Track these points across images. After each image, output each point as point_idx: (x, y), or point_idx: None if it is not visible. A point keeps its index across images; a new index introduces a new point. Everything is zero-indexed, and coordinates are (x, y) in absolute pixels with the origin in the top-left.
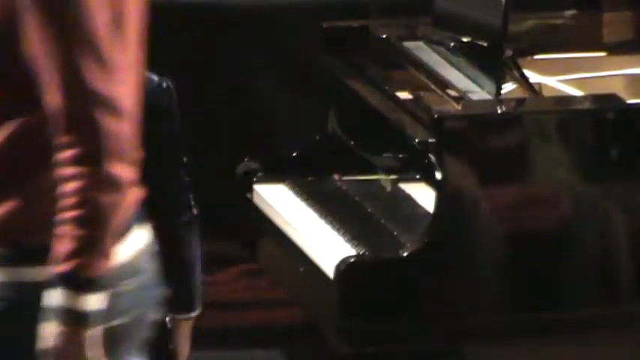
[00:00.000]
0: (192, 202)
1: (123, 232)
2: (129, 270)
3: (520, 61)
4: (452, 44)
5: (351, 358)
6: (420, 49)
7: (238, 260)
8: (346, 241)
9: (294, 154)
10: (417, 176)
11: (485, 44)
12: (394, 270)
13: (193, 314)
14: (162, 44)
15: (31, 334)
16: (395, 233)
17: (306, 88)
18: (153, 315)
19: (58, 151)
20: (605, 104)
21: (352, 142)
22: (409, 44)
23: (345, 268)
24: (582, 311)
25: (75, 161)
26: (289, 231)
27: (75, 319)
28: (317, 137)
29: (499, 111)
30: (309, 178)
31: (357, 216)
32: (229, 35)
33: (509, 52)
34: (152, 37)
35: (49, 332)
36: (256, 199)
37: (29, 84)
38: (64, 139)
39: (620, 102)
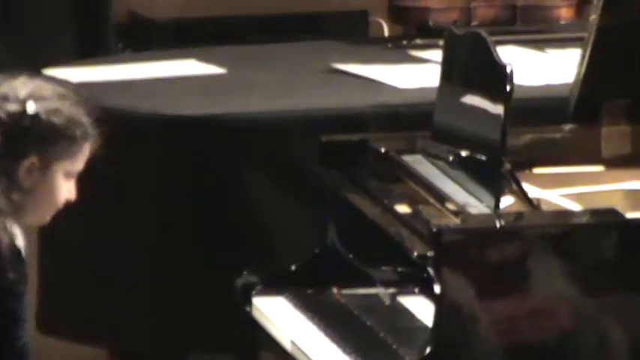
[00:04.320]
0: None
1: None
2: None
3: (518, 174)
4: (451, 158)
5: None
6: (418, 163)
7: None
8: (345, 355)
9: (293, 267)
10: (416, 290)
11: (484, 158)
12: None
13: None
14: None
15: None
16: (394, 347)
17: (306, 202)
18: None
19: None
20: (603, 218)
21: (351, 255)
22: (408, 158)
23: None
24: None
25: None
26: (288, 345)
27: None
28: (316, 250)
29: (498, 225)
30: (309, 291)
31: (356, 329)
32: (228, 149)
33: (507, 166)
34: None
35: None
36: (255, 313)
37: None
38: None
39: (619, 216)
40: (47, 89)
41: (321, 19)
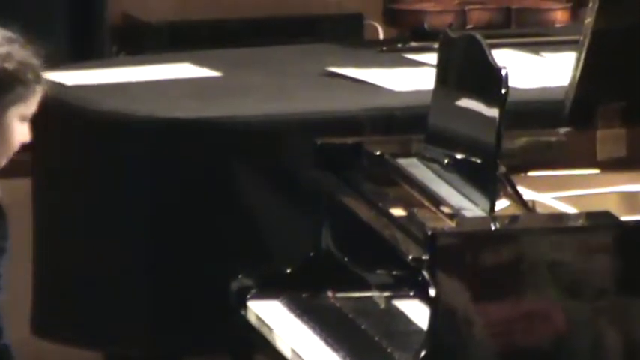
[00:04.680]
0: None
1: None
2: None
3: (513, 178)
4: (446, 161)
5: None
6: (413, 166)
7: None
8: (340, 358)
9: (288, 271)
10: (411, 293)
11: (478, 161)
12: None
13: None
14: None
15: None
16: (389, 350)
17: (301, 205)
18: None
19: None
20: (598, 221)
21: (346, 259)
22: (403, 161)
23: None
24: None
25: None
26: (283, 348)
27: None
28: (311, 253)
29: (493, 228)
30: (304, 295)
31: (351, 333)
32: (223, 152)
33: (502, 169)
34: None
35: None
36: (250, 316)
37: None
38: None
39: (614, 219)
40: None
41: (317, 22)
